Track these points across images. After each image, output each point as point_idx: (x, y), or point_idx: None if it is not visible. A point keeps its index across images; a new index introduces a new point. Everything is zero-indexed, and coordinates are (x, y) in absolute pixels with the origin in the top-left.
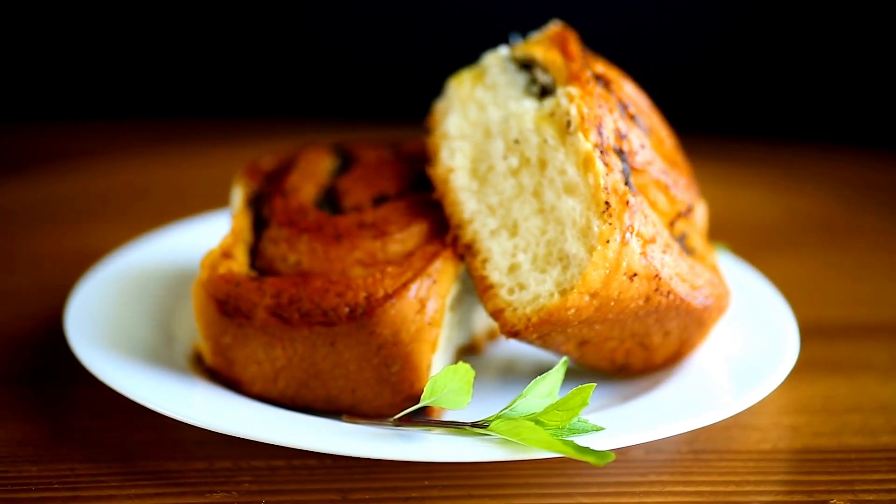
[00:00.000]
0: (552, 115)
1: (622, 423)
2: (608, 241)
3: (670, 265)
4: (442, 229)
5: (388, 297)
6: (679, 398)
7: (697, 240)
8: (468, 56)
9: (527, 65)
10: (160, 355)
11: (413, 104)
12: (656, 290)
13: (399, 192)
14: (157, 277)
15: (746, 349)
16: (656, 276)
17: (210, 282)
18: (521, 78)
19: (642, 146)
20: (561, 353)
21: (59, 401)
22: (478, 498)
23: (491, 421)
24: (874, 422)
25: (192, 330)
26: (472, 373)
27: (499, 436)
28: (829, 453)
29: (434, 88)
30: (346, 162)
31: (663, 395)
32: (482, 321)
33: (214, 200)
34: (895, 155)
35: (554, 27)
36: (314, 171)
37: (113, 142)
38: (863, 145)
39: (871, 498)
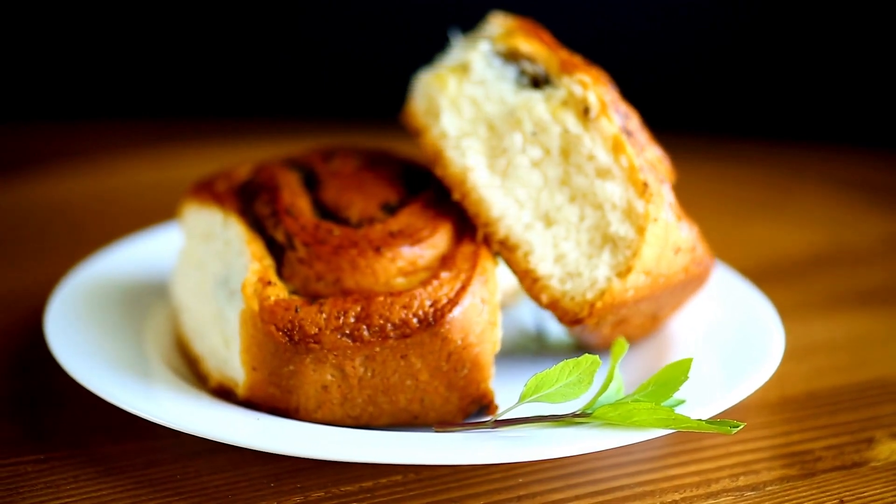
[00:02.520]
0: (565, 103)
1: (691, 396)
2: (656, 220)
3: (696, 236)
4: (463, 228)
5: (452, 302)
6: (713, 366)
7: None
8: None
9: (504, 57)
10: (182, 385)
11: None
12: (692, 260)
13: (401, 198)
14: (139, 287)
15: (718, 314)
16: (693, 248)
17: (266, 311)
18: (508, 71)
19: (639, 126)
20: (599, 337)
21: (101, 456)
22: (580, 486)
23: (591, 409)
24: (839, 361)
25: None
26: (598, 363)
27: (600, 422)
28: (834, 395)
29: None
30: (308, 175)
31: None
32: None
33: None
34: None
35: (507, 18)
36: (296, 187)
37: (110, 142)
38: (864, 145)
39: None
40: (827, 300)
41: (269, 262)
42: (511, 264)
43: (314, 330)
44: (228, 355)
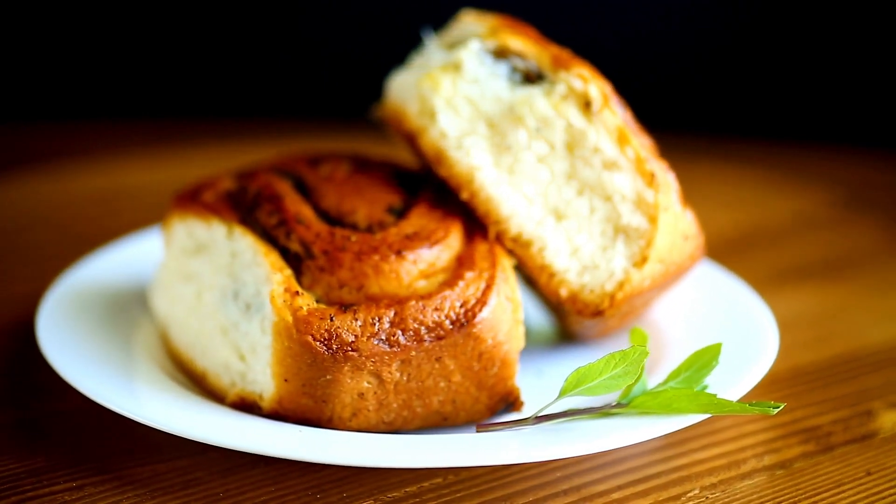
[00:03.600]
0: (565, 97)
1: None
2: (667, 208)
3: (697, 223)
4: (472, 227)
5: (480, 302)
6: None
7: None
8: None
9: (494, 55)
10: (202, 400)
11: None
12: (696, 247)
13: (404, 200)
14: (136, 291)
15: (693, 295)
16: (697, 234)
17: (302, 321)
18: (500, 68)
19: (630, 117)
20: (602, 329)
21: (136, 479)
22: (619, 475)
23: (626, 399)
24: (807, 336)
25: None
26: (646, 353)
27: (637, 412)
28: (818, 370)
29: None
30: (298, 182)
31: None
32: None
33: None
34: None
35: (482, 15)
36: (295, 195)
37: (110, 142)
38: (863, 145)
39: None
40: (773, 277)
41: (288, 272)
42: (526, 261)
43: (351, 338)
44: (247, 368)
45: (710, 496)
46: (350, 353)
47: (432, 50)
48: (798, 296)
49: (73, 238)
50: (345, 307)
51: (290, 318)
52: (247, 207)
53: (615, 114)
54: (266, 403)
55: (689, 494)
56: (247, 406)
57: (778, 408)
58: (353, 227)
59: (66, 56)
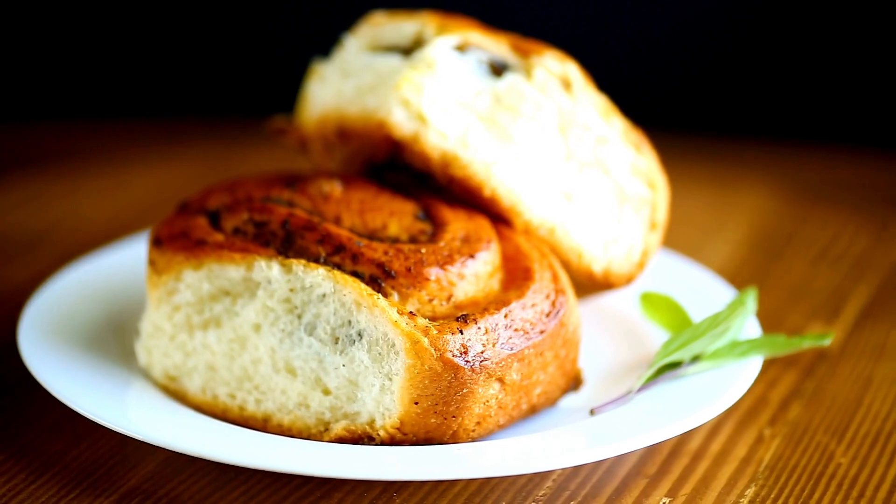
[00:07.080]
0: (546, 81)
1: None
2: (660, 172)
3: None
4: (494, 221)
5: (558, 292)
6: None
7: None
8: None
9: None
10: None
11: None
12: (669, 206)
13: (425, 208)
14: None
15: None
16: (670, 194)
17: (437, 340)
18: (468, 62)
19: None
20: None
21: None
22: (696, 430)
23: (697, 359)
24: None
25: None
26: (746, 307)
27: (713, 364)
28: None
29: None
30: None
31: None
32: None
33: None
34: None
35: (397, 14)
36: (317, 219)
37: (109, 141)
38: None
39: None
40: None
41: (379, 295)
42: (555, 245)
43: (480, 347)
44: (340, 402)
45: (782, 431)
46: (484, 362)
47: (356, 55)
48: None
49: (73, 238)
50: (463, 318)
51: (422, 339)
52: (281, 240)
53: (595, 90)
54: (384, 431)
55: (765, 434)
56: (354, 439)
57: (830, 337)
58: (395, 241)
59: (66, 56)
